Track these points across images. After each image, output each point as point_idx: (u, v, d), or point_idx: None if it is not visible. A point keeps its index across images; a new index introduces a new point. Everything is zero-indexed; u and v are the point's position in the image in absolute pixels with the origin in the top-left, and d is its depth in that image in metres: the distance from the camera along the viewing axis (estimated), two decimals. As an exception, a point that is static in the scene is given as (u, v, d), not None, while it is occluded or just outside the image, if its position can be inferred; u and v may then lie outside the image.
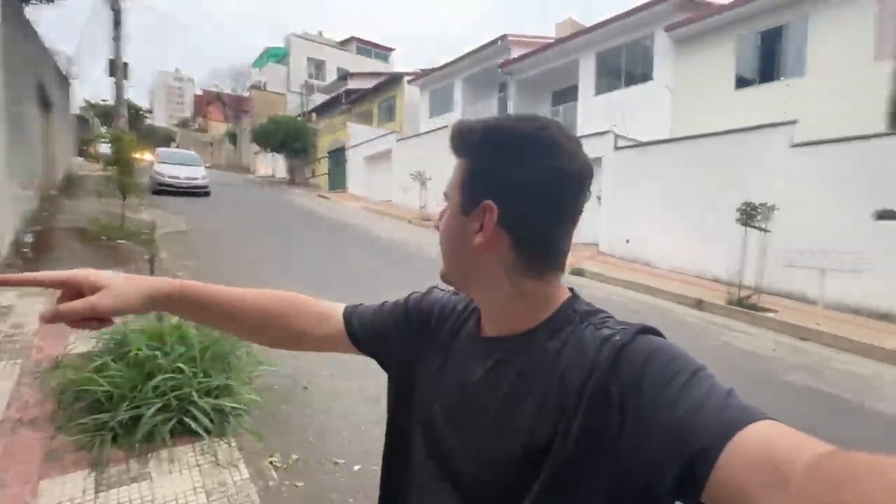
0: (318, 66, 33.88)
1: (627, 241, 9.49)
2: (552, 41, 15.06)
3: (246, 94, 36.06)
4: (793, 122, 7.27)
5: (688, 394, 0.43)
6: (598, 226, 10.00)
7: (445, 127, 14.57)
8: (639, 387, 0.45)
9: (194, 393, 2.36)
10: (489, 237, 0.56)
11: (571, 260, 9.09)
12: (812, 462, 0.33)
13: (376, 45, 37.66)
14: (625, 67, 12.58)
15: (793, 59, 9.60)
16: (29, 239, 5.97)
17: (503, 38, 15.63)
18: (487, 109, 17.11)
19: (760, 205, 6.60)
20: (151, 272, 2.64)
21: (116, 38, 10.57)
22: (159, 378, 2.34)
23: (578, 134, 12.26)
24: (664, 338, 0.51)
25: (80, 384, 2.38)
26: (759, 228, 6.64)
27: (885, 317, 6.29)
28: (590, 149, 9.94)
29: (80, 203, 9.26)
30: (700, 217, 8.24)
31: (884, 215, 6.41)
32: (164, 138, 34.66)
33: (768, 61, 9.97)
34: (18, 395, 2.56)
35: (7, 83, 5.11)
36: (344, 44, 36.77)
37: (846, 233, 6.48)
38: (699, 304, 6.79)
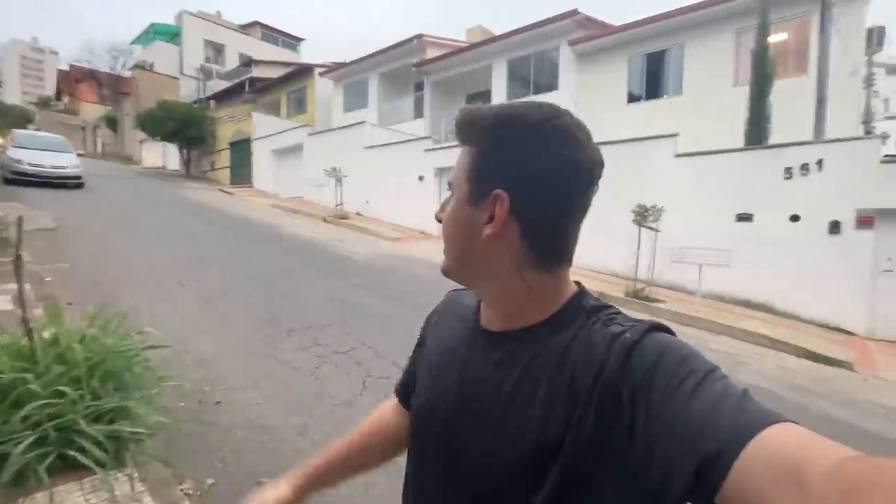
0: (216, 50, 30.99)
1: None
2: (466, 45, 15.46)
3: (127, 73, 31.74)
4: (675, 136, 8.28)
5: (700, 395, 0.42)
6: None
7: (362, 123, 14.23)
8: (649, 387, 0.44)
9: (80, 420, 1.99)
10: (500, 228, 0.54)
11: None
12: (834, 468, 0.32)
13: (284, 34, 35.48)
14: (534, 76, 13.36)
15: (673, 80, 10.95)
16: None
17: (418, 37, 15.68)
18: (404, 107, 17.04)
19: (651, 207, 7.42)
20: (18, 279, 2.18)
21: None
22: (31, 406, 1.93)
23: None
24: (674, 335, 0.50)
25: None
26: (651, 228, 7.46)
27: (744, 303, 7.44)
28: None
29: None
30: (602, 217, 9.02)
31: (742, 217, 7.58)
32: (20, 118, 29.24)
33: (653, 80, 11.26)
34: None
35: None
36: (246, 28, 34.09)
37: (717, 232, 7.55)
38: (601, 297, 7.42)
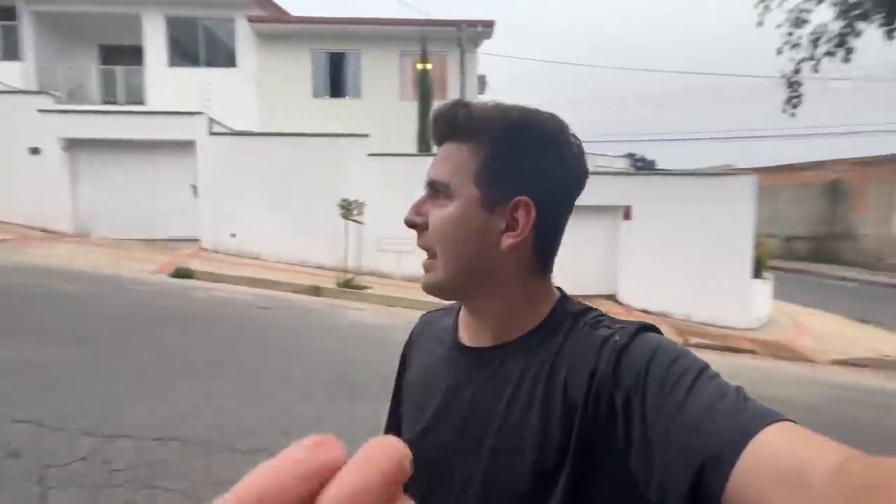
0: None
1: (234, 235, 8.94)
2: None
3: None
4: (366, 136, 9.10)
5: (695, 397, 0.41)
6: (197, 220, 8.83)
7: None
8: (643, 392, 0.43)
9: None
10: (524, 237, 0.52)
11: (172, 259, 7.69)
12: (836, 467, 0.31)
13: None
14: (206, 45, 11.53)
15: (353, 83, 11.91)
16: None
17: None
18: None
19: (354, 201, 7.93)
20: None
21: None
22: None
23: (150, 108, 10.33)
24: (661, 334, 0.50)
25: None
26: (356, 221, 7.99)
27: (427, 281, 9.14)
28: (177, 129, 8.66)
29: None
30: (306, 210, 8.92)
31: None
32: None
33: (336, 79, 11.90)
34: None
35: None
36: None
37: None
38: (317, 291, 7.43)
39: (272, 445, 2.71)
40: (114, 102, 11.22)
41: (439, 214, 0.54)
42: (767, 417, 0.38)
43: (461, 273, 0.54)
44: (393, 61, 11.71)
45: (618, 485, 0.45)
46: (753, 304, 8.67)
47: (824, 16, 3.75)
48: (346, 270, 7.82)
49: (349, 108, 11.59)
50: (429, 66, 10.65)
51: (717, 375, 0.43)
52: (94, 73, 11.75)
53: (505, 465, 0.51)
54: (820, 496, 0.31)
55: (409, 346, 0.72)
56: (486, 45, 11.63)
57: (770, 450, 0.35)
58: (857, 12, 3.28)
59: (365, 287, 7.76)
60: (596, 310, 0.56)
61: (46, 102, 8.91)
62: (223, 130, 9.20)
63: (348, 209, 7.85)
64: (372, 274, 8.61)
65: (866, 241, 16.62)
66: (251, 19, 10.99)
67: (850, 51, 3.46)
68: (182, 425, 2.88)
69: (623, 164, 20.16)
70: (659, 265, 8.52)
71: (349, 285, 7.65)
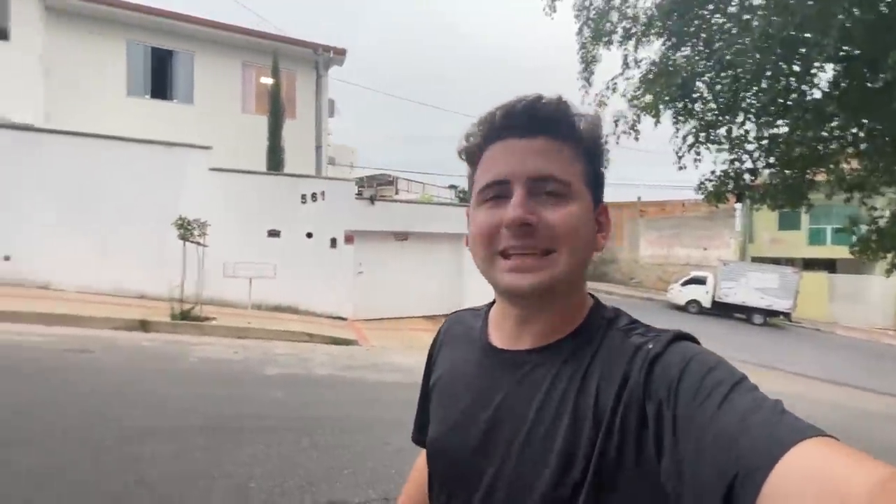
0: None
1: (7, 258, 6.84)
2: None
3: None
4: (209, 148, 8.16)
5: (729, 408, 0.39)
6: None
7: None
8: (675, 402, 0.42)
9: None
10: (608, 239, 0.58)
11: None
12: (877, 485, 0.30)
13: None
14: (-42, 5, 8.62)
15: (183, 86, 10.49)
16: None
17: None
18: None
19: (195, 220, 7.00)
20: None
21: None
22: None
23: None
24: (699, 343, 0.49)
25: None
26: (197, 243, 7.04)
27: (276, 307, 8.54)
28: None
29: None
30: (119, 228, 7.42)
31: (272, 233, 8.68)
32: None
33: (160, 79, 10.30)
34: None
35: None
36: None
37: (254, 246, 8.19)
38: (145, 325, 6.26)
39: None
40: None
41: (565, 212, 0.52)
42: (804, 432, 0.36)
43: (571, 276, 0.53)
44: (234, 70, 10.79)
45: (645, 495, 0.44)
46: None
47: (618, 102, 5.28)
48: (181, 300, 6.78)
49: (177, 113, 10.14)
50: (268, 81, 10.18)
51: (754, 388, 0.42)
52: None
53: (531, 470, 0.50)
54: None
55: (436, 344, 0.70)
56: (334, 70, 11.75)
57: (805, 464, 0.34)
58: (638, 106, 4.83)
59: (208, 318, 6.86)
60: (628, 316, 0.56)
61: None
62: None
63: (188, 229, 6.88)
64: (215, 303, 7.65)
65: (623, 265, 22.23)
66: (39, -14, 8.77)
67: (638, 132, 4.95)
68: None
69: (449, 195, 22.58)
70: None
71: (188, 317, 6.66)
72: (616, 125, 5.05)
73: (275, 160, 9.38)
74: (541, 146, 0.52)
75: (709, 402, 0.41)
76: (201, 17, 10.14)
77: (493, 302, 0.64)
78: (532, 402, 0.52)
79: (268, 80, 10.11)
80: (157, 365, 5.02)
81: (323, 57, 10.74)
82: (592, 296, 0.58)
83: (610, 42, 5.19)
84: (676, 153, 5.20)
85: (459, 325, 0.68)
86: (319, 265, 8.97)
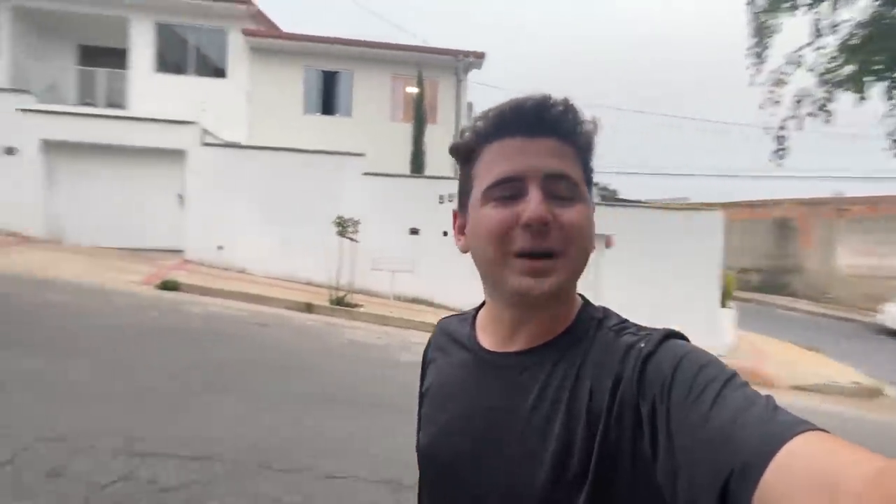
0: None
1: (221, 247, 8.75)
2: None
3: None
4: (362, 155, 9.23)
5: (722, 405, 0.40)
6: (184, 230, 8.60)
7: None
8: (668, 400, 0.43)
9: None
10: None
11: (157, 270, 7.44)
12: (871, 478, 0.30)
13: None
14: (197, 53, 11.36)
15: (344, 102, 12.04)
16: None
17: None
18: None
19: (349, 219, 7.99)
20: None
21: None
22: None
23: (131, 113, 10.03)
24: (689, 341, 0.49)
25: None
26: (351, 239, 8.03)
27: (414, 300, 9.23)
28: (170, 137, 8.50)
29: None
30: (295, 225, 8.86)
31: (413, 231, 9.40)
32: None
33: (328, 97, 11.99)
34: None
35: None
36: None
37: (397, 243, 8.99)
38: (310, 308, 7.37)
39: (312, 465, 2.76)
40: (92, 105, 10.82)
41: (577, 214, 0.51)
42: (797, 426, 0.36)
43: (577, 277, 0.54)
44: (385, 83, 11.96)
45: (642, 495, 0.44)
46: (721, 331, 9.29)
47: (802, 79, 4.33)
48: (337, 288, 7.81)
49: (340, 126, 11.69)
50: (414, 90, 10.97)
51: (745, 384, 0.42)
52: (71, 73, 11.32)
53: (526, 473, 0.49)
54: None
55: (427, 352, 0.70)
56: (473, 74, 12.16)
57: (800, 458, 0.34)
58: (833, 80, 3.84)
59: (357, 305, 7.77)
60: (617, 315, 0.56)
61: (27, 101, 8.52)
62: (214, 141, 9.08)
63: (344, 226, 7.90)
64: (363, 292, 8.63)
65: (812, 276, 18.08)
66: (246, 32, 10.98)
67: (829, 113, 4.02)
68: (214, 445, 2.86)
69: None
70: (634, 292, 9.02)
71: (341, 303, 7.64)
72: (798, 105, 4.17)
73: (417, 163, 10.13)
74: (552, 146, 0.52)
75: (702, 399, 0.41)
76: (360, 40, 11.48)
77: (482, 305, 0.63)
78: (525, 403, 0.52)
79: (413, 90, 10.97)
80: (315, 342, 5.89)
81: (463, 62, 11.22)
82: (580, 294, 0.58)
83: (794, 7, 4.32)
84: (891, 136, 4.09)
85: (448, 331, 0.67)
86: (453, 262, 9.38)
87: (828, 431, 0.37)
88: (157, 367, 4.08)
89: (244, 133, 10.81)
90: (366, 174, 9.10)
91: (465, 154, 0.58)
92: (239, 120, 10.96)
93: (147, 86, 10.89)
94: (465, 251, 0.58)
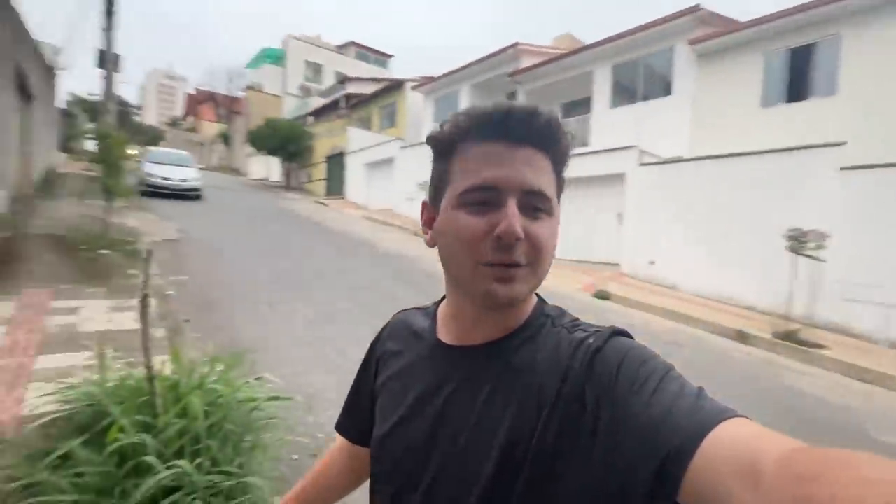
0: (315, 70, 33.22)
1: (652, 262, 8.95)
2: (564, 52, 14.66)
3: (240, 94, 35.17)
4: (841, 144, 6.82)
5: (660, 395, 0.43)
6: (620, 245, 9.46)
7: (453, 135, 13.99)
8: (612, 390, 0.45)
9: (197, 500, 1.66)
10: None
11: (594, 280, 8.58)
12: (783, 457, 0.34)
13: (375, 51, 37.18)
14: (643, 80, 12.17)
15: (824, 78, 9.23)
16: (-7, 248, 5.17)
17: (514, 46, 15.20)
18: (494, 119, 16.63)
19: (811, 231, 6.09)
20: (144, 322, 1.95)
21: (108, 29, 9.80)
22: (152, 479, 1.63)
23: (592, 147, 11.91)
24: (633, 339, 0.52)
25: (30, 489, 1.66)
26: (811, 257, 6.12)
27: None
28: (611, 163, 9.26)
29: (60, 205, 8.43)
30: (732, 240, 7.73)
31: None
32: (154, 137, 33.56)
33: (797, 79, 9.60)
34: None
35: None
36: (342, 48, 36.21)
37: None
38: (742, 337, 6.23)
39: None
40: (567, 147, 13.82)
41: (545, 228, 0.54)
42: (723, 414, 0.40)
43: (541, 282, 0.55)
44: (891, 41, 8.22)
45: (583, 481, 0.45)
46: None
47: None
48: (787, 318, 6.14)
49: (813, 111, 9.08)
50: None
51: (680, 377, 0.46)
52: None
53: (474, 462, 0.51)
54: (769, 484, 0.33)
55: (379, 342, 0.71)
56: None
57: (724, 443, 0.38)
58: None
59: (818, 345, 5.81)
60: (570, 314, 0.59)
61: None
62: (652, 160, 9.39)
63: (800, 242, 6.13)
64: (830, 329, 6.35)
65: None
66: (692, 42, 10.65)
67: None
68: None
69: None
70: None
71: (791, 338, 5.95)
72: None
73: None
74: (529, 157, 0.53)
75: (643, 390, 0.44)
76: (851, -11, 8.45)
77: (442, 299, 0.65)
78: (478, 396, 0.54)
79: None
80: (733, 376, 4.93)
81: None
82: (537, 294, 0.60)
83: None
84: None
85: (405, 324, 0.69)
86: None
87: (748, 418, 0.41)
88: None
89: (685, 145, 10.48)
90: (844, 169, 6.64)
91: (442, 148, 0.58)
92: (680, 133, 10.75)
93: (603, 122, 12.70)
94: (431, 246, 0.60)
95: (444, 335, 0.61)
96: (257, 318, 4.78)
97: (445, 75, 17.89)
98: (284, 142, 20.80)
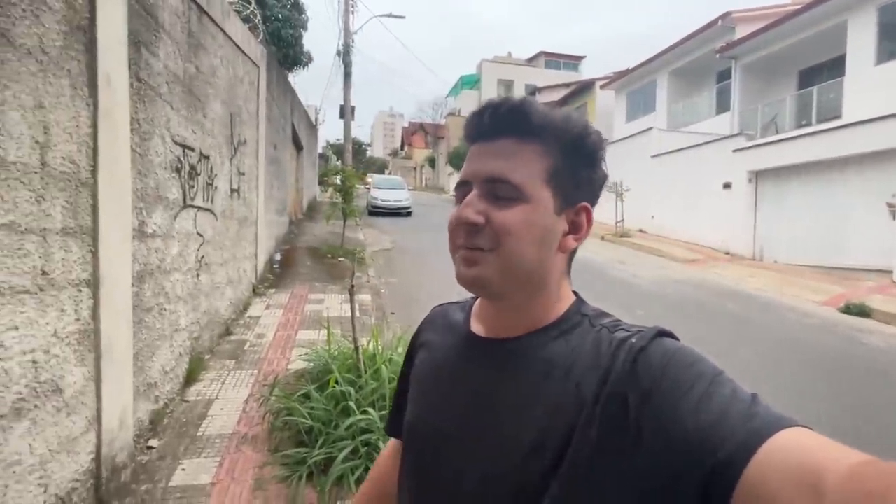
0: (506, 87, 34.97)
1: (948, 268, 6.42)
2: (800, 5, 11.80)
3: (443, 121, 39.75)
4: None
5: (709, 401, 0.41)
6: (891, 246, 7.10)
7: (648, 130, 12.90)
8: (658, 394, 0.43)
9: (380, 440, 2.17)
10: (582, 240, 0.57)
11: (845, 292, 6.67)
12: (850, 472, 0.32)
13: (565, 56, 36.88)
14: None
15: None
16: (278, 257, 7.35)
17: (725, 16, 13.04)
18: (701, 105, 14.55)
19: None
20: (352, 307, 2.62)
21: (346, 88, 12.67)
22: (351, 419, 2.22)
23: (845, 119, 9.22)
24: (678, 340, 0.49)
25: (287, 411, 2.46)
26: None
27: None
28: (877, 136, 7.09)
29: (316, 226, 11.25)
30: None
31: None
32: (380, 166, 40.86)
33: None
34: (248, 408, 2.85)
35: (269, 132, 6.40)
36: (532, 60, 37.14)
37: None
38: None
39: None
40: (808, 125, 11.04)
41: (512, 215, 0.52)
42: (780, 423, 0.38)
43: (516, 272, 0.53)
44: None
45: (622, 486, 0.44)
46: None
47: None
48: None
49: None
50: None
51: (731, 381, 0.43)
52: (787, 102, 12.08)
53: (505, 456, 0.50)
54: (833, 500, 0.31)
55: (418, 334, 0.71)
56: None
57: (781, 454, 0.36)
58: None
59: None
60: (612, 316, 0.57)
61: (739, 142, 10.20)
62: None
63: None
64: None
65: None
66: None
67: None
68: None
69: None
70: None
71: None
72: None
73: None
74: (500, 148, 0.54)
75: (691, 394, 0.41)
76: None
77: None
78: (510, 390, 0.53)
79: None
80: None
81: None
82: (576, 294, 0.60)
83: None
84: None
85: (442, 316, 0.69)
86: None
87: (810, 428, 0.37)
88: (824, 395, 3.79)
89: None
90: None
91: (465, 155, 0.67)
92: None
93: (863, 84, 9.72)
94: None
95: (477, 328, 0.61)
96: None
97: (640, 66, 16.54)
98: (478, 158, 22.60)
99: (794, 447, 0.36)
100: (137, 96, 2.37)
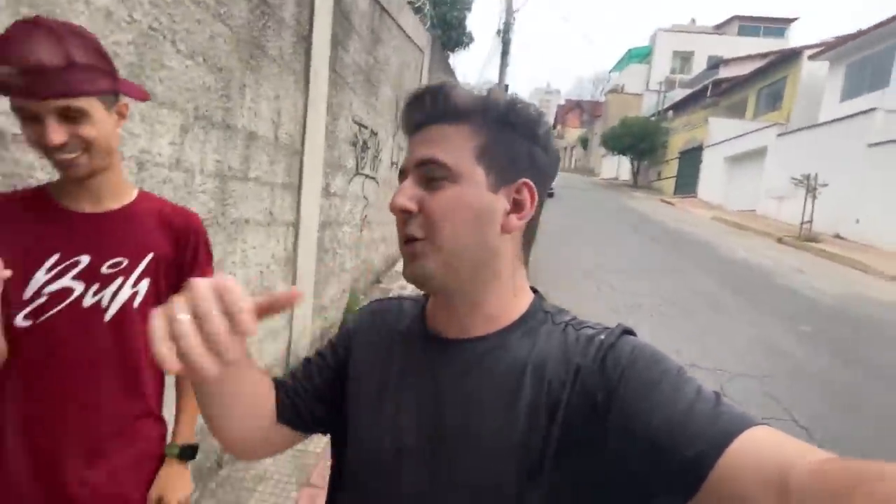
0: (684, 59, 30.87)
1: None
2: None
3: (602, 98, 37.25)
4: None
5: (676, 397, 0.42)
6: None
7: (871, 111, 10.31)
8: (625, 389, 0.44)
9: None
10: (526, 218, 0.54)
11: None
12: (814, 468, 0.33)
13: (767, 20, 30.68)
14: None
15: None
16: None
17: None
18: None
19: None
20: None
21: (502, 66, 12.92)
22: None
23: None
24: (637, 337, 0.50)
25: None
26: None
27: None
28: None
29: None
30: None
31: None
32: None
33: None
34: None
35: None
36: (722, 27, 31.89)
37: None
38: None
39: None
40: None
41: (443, 197, 0.50)
42: (745, 422, 0.39)
43: (459, 259, 0.51)
44: None
45: (598, 481, 0.45)
46: None
47: None
48: None
49: None
50: None
51: (694, 379, 0.45)
52: None
53: (486, 465, 0.48)
54: (798, 496, 0.33)
55: (349, 338, 0.63)
56: None
57: (749, 452, 0.37)
58: None
59: None
60: (570, 312, 0.56)
61: None
62: None
63: None
64: None
65: None
66: None
67: None
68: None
69: None
70: None
71: None
72: None
73: None
74: (431, 134, 0.53)
75: (658, 389, 0.43)
76: None
77: None
78: (480, 393, 0.50)
79: None
80: None
81: None
82: (534, 289, 0.58)
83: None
84: None
85: (382, 317, 0.64)
86: None
87: (770, 426, 0.39)
88: None
89: None
90: None
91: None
92: None
93: None
94: None
95: (434, 327, 0.57)
96: (581, 291, 5.64)
97: (874, 27, 13.03)
98: (636, 140, 20.80)
99: (760, 445, 0.37)
100: (332, 85, 3.06)
